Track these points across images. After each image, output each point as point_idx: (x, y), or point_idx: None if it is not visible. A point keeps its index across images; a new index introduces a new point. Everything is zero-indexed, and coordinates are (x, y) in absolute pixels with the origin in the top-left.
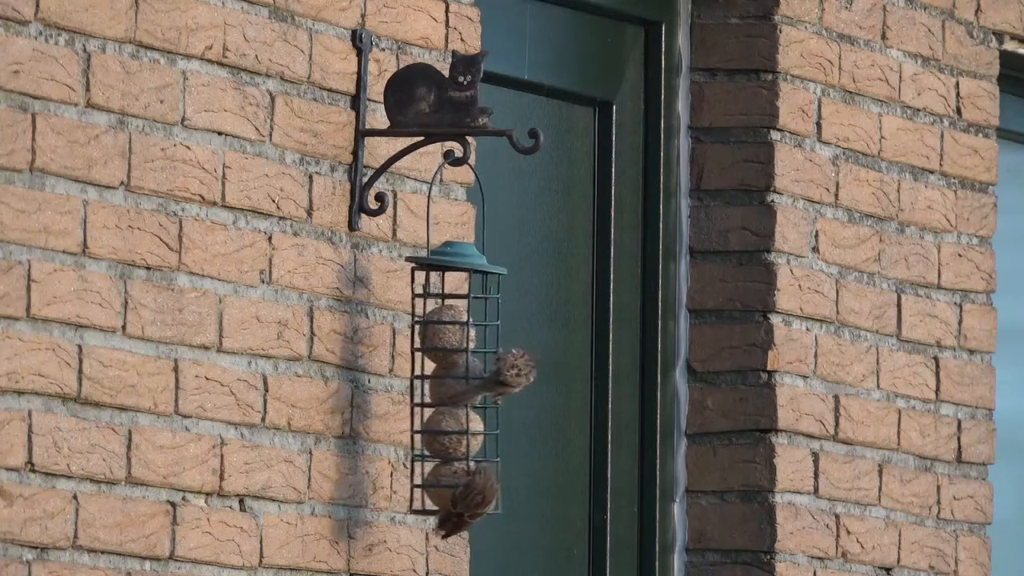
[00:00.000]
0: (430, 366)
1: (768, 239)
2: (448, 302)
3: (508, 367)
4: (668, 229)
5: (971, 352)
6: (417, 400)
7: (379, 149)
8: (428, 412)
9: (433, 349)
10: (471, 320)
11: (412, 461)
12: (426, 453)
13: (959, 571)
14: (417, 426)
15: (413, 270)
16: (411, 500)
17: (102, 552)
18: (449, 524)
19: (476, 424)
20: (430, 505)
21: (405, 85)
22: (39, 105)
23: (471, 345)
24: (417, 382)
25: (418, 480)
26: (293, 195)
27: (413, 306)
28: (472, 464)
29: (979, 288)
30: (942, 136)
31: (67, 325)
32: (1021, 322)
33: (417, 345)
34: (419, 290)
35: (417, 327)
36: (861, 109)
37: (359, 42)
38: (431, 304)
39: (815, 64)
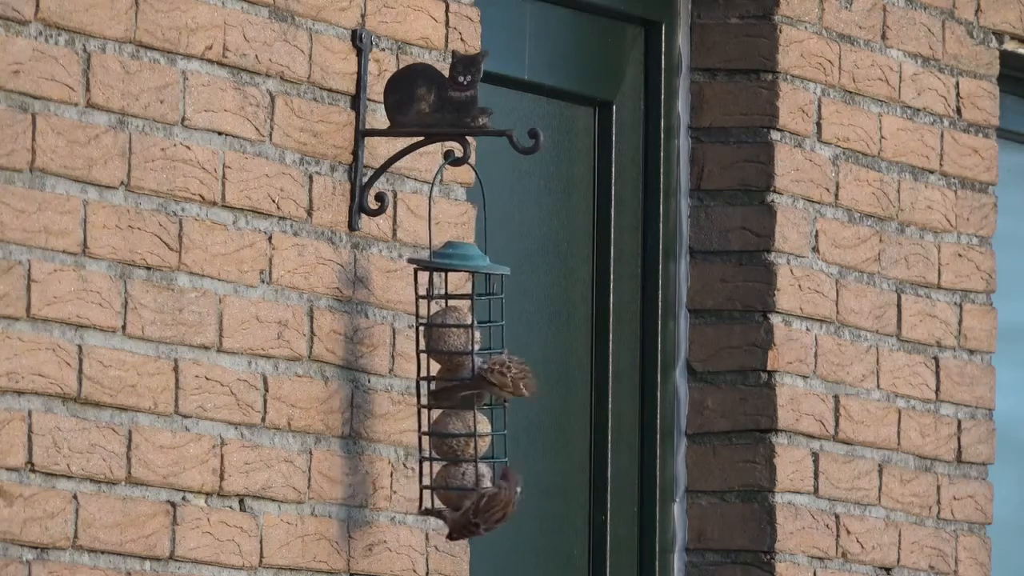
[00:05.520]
0: (435, 367)
1: (768, 239)
2: (451, 303)
3: (491, 367)
4: (668, 229)
5: (971, 352)
6: (423, 402)
7: (379, 149)
8: (435, 413)
9: (438, 352)
10: (475, 322)
11: (420, 463)
12: (434, 455)
13: (959, 571)
14: (424, 427)
15: (416, 272)
16: (420, 501)
17: (102, 552)
18: (464, 532)
19: (483, 426)
20: (439, 505)
21: (405, 85)
22: (39, 105)
23: (476, 347)
24: (423, 384)
25: (427, 481)
26: (293, 195)
27: (417, 307)
28: (485, 467)
29: (979, 288)
30: (942, 136)
31: (67, 325)
32: (1021, 322)
33: (422, 347)
34: (422, 291)
35: (422, 329)
36: (861, 109)
37: (359, 42)
38: (434, 305)
39: (815, 64)
